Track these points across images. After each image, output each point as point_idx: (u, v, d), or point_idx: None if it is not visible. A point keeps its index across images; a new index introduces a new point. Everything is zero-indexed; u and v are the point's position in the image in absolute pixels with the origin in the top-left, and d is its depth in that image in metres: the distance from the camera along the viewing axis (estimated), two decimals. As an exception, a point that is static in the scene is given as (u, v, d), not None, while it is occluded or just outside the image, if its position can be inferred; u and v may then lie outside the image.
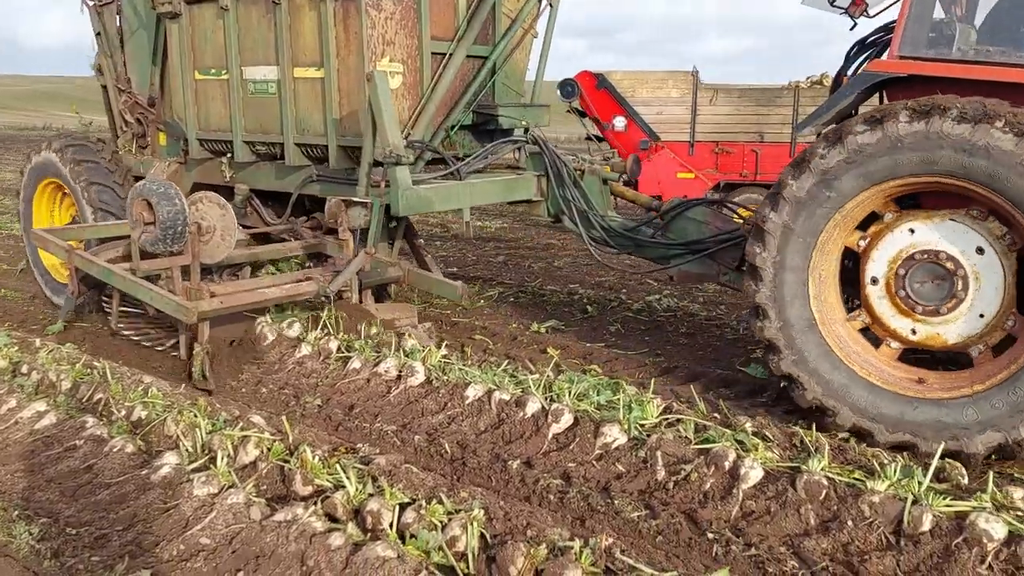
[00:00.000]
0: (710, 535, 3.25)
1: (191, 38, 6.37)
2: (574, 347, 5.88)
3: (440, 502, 3.16)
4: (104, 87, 7.38)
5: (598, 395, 4.28)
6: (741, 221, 5.38)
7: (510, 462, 3.83)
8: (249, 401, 4.77)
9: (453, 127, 6.10)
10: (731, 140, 10.84)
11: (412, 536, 3.03)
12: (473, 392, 4.38)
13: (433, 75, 5.84)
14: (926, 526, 3.12)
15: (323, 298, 5.38)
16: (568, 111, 11.20)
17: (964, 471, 3.57)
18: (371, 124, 5.36)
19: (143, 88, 7.01)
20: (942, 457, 3.64)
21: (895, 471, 3.43)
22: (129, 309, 5.57)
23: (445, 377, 4.55)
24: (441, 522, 3.07)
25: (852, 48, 5.06)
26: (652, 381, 4.63)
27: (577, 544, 2.88)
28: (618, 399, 4.14)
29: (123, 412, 4.24)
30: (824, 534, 3.21)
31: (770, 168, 10.56)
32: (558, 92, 10.75)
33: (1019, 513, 3.17)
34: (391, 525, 3.09)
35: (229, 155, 6.44)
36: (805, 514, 3.33)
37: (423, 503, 3.17)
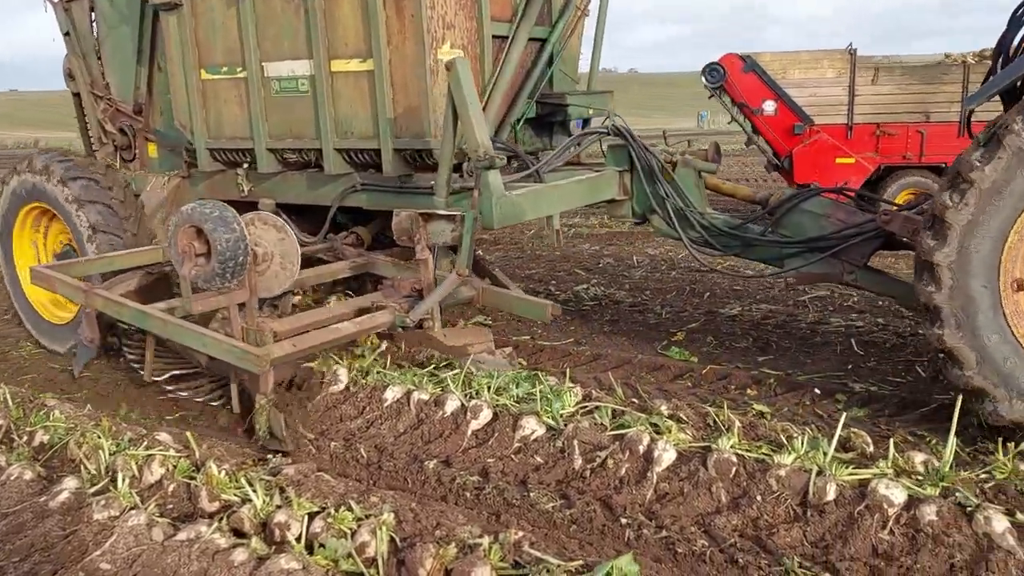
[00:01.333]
0: (623, 520, 3.26)
1: (194, 32, 5.48)
2: (499, 340, 5.87)
3: (349, 509, 3.11)
4: (76, 95, 6.54)
5: (517, 388, 4.26)
6: (877, 211, 4.60)
7: (427, 462, 3.79)
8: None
9: (518, 120, 5.51)
10: (893, 121, 10.11)
11: (321, 546, 2.97)
12: (391, 394, 4.32)
13: (495, 61, 5.15)
14: (830, 496, 3.17)
15: (399, 328, 4.66)
16: (709, 97, 10.58)
17: (869, 439, 3.65)
18: (451, 121, 4.59)
19: (126, 94, 6.17)
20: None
21: (802, 444, 3.49)
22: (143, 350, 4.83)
23: (364, 380, 4.49)
24: (350, 529, 3.02)
25: (1018, 10, 4.26)
26: (568, 371, 4.64)
27: (486, 541, 2.86)
28: (537, 391, 4.13)
29: (24, 438, 4.08)
30: (734, 510, 3.24)
31: (936, 149, 9.84)
32: (702, 77, 10.24)
33: (919, 477, 3.25)
34: (299, 536, 3.03)
35: (247, 165, 5.67)
36: (716, 492, 3.36)
37: (332, 511, 3.11)
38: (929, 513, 2.98)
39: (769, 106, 10.31)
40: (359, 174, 5.37)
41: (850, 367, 5.08)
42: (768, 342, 5.73)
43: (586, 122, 5.97)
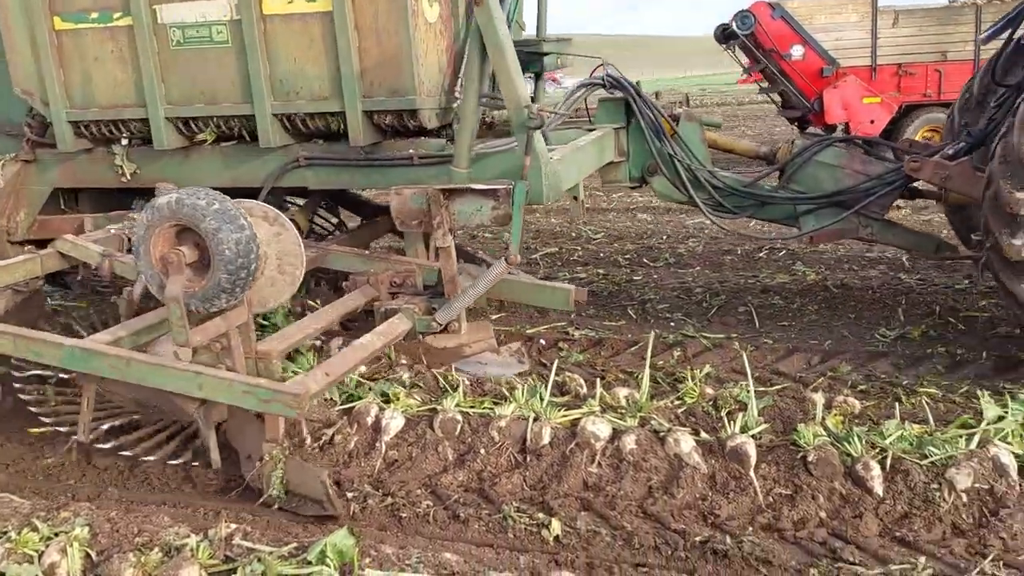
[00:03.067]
0: (350, 494, 3.20)
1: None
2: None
3: (35, 529, 2.78)
4: None
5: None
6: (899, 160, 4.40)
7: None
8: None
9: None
10: (913, 61, 10.55)
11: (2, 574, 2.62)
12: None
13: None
14: (546, 439, 3.25)
15: (419, 335, 3.95)
16: (725, 49, 10.90)
17: (582, 381, 3.87)
18: (477, 70, 3.90)
19: None
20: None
21: (523, 393, 3.61)
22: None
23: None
24: (37, 551, 2.69)
25: None
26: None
27: (193, 540, 2.67)
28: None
29: None
30: (460, 467, 3.25)
31: (954, 87, 9.88)
32: (733, 24, 10.44)
33: (622, 411, 3.49)
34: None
35: (127, 142, 4.60)
36: (443, 452, 3.34)
37: (13, 534, 2.76)
38: (630, 443, 3.22)
39: (797, 51, 10.57)
40: (301, 146, 4.44)
41: (573, 316, 5.37)
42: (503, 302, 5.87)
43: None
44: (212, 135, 4.51)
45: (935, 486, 2.92)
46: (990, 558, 2.66)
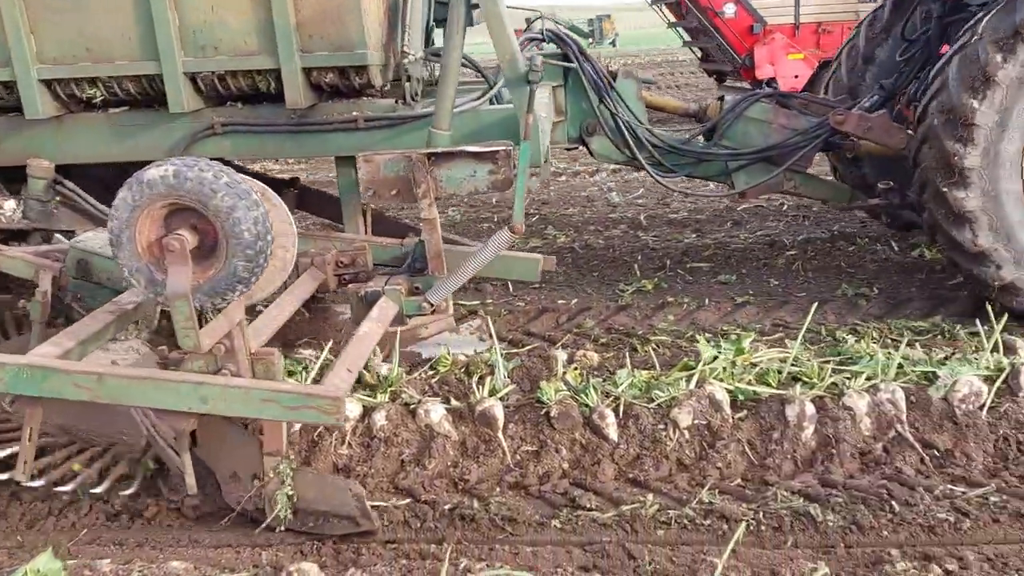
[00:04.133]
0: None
1: None
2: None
3: None
4: None
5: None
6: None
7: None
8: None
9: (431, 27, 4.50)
10: (831, 20, 11.28)
11: None
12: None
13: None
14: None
15: (408, 318, 3.51)
16: (651, 4, 11.36)
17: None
18: (461, 21, 3.57)
19: None
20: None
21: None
22: None
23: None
24: None
25: None
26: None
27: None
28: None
29: None
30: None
31: None
32: None
33: (373, 387, 3.44)
34: None
35: None
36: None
37: None
38: (380, 419, 3.19)
39: (729, 9, 11.08)
40: (215, 111, 3.94)
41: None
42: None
43: None
44: (99, 99, 3.91)
45: (662, 427, 3.16)
46: (707, 487, 2.94)
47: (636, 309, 4.64)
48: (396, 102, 3.98)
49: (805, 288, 4.81)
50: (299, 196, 5.19)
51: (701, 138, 4.80)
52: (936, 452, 3.08)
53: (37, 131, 3.96)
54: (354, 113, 3.92)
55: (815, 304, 4.11)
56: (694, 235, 6.05)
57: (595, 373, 3.58)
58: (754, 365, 3.47)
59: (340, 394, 2.51)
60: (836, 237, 5.73)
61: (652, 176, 4.58)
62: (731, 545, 2.41)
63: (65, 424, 2.96)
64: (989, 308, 3.79)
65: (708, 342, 3.71)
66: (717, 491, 2.92)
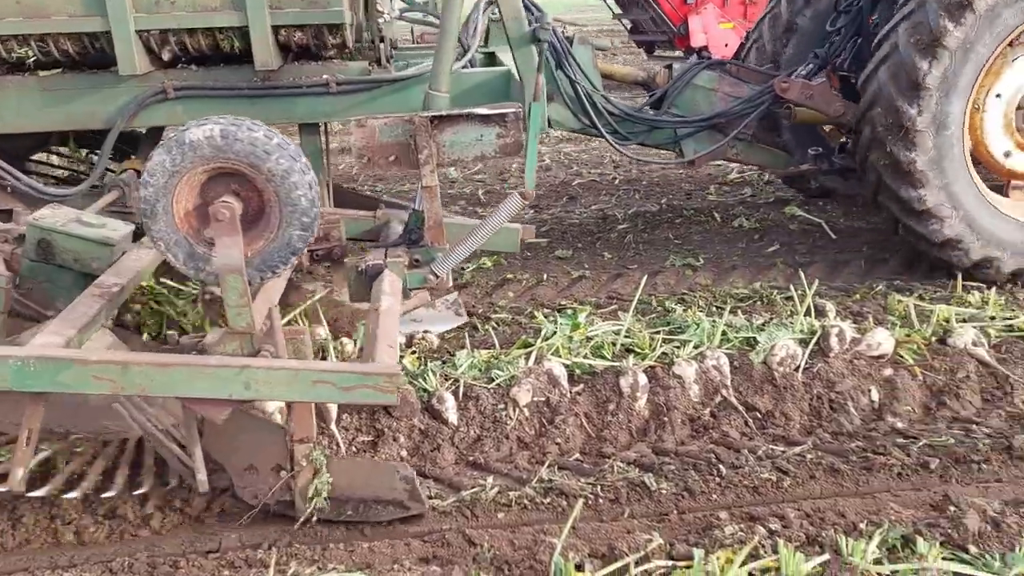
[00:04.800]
0: None
1: None
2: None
3: None
4: None
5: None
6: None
7: None
8: None
9: None
10: None
11: None
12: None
13: None
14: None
15: (411, 291, 3.29)
16: None
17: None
18: None
19: None
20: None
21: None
22: None
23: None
24: None
25: None
26: None
27: None
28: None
29: None
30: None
31: None
32: None
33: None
34: None
35: None
36: None
37: None
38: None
39: None
40: (166, 73, 3.68)
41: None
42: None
43: None
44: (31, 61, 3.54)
45: (502, 406, 3.13)
46: (547, 464, 2.94)
47: (476, 287, 4.60)
48: (369, 64, 3.79)
49: (637, 260, 4.94)
50: None
51: (648, 107, 4.91)
52: (758, 414, 3.24)
53: None
54: (325, 76, 3.72)
55: (645, 276, 4.22)
56: (532, 210, 6.08)
57: (434, 356, 3.51)
58: (590, 339, 3.51)
59: (398, 370, 2.36)
60: (664, 210, 5.94)
61: (611, 144, 4.56)
62: (569, 523, 2.41)
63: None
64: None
65: (546, 318, 3.72)
66: (556, 467, 2.93)
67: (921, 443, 3.00)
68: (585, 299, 4.28)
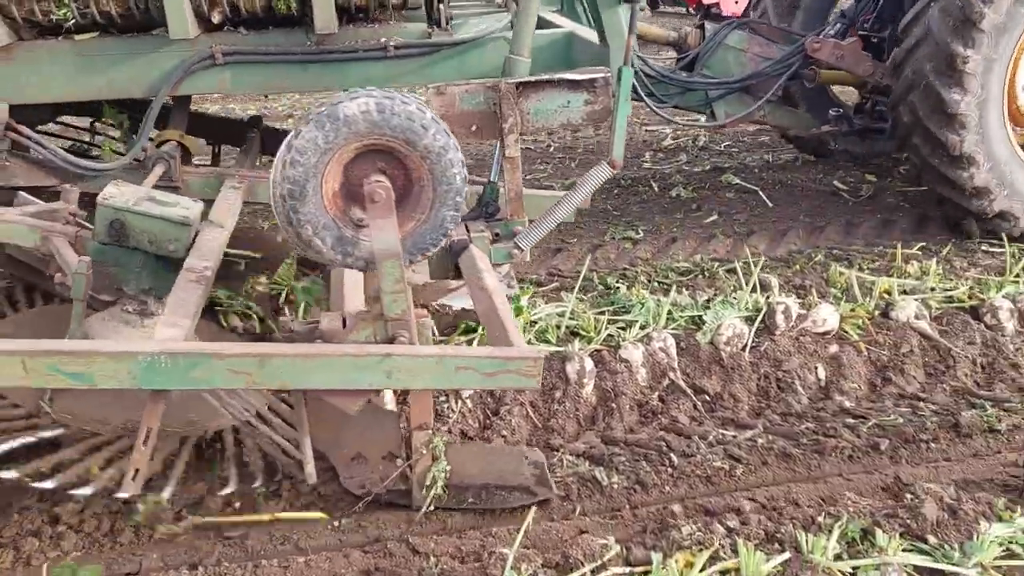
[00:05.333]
0: None
1: None
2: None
3: None
4: None
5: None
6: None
7: None
8: None
9: None
10: None
11: None
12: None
13: None
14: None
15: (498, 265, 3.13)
16: None
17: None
18: None
19: None
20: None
21: None
22: None
23: None
24: None
25: None
26: None
27: None
28: None
29: None
30: None
31: None
32: None
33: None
34: None
35: None
36: None
37: None
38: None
39: None
40: (212, 37, 3.47)
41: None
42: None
43: None
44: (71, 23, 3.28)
45: (443, 399, 2.96)
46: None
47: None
48: (429, 27, 3.59)
49: (575, 233, 4.80)
50: (263, 139, 4.39)
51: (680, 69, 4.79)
52: (707, 396, 3.16)
53: None
54: (382, 39, 3.53)
55: (588, 254, 4.09)
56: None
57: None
58: (533, 323, 3.36)
59: (541, 355, 2.27)
60: (602, 179, 5.79)
61: (649, 106, 4.38)
62: (522, 531, 2.27)
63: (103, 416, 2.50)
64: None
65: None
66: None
67: (870, 423, 2.96)
68: (525, 276, 4.12)
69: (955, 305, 3.64)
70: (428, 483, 2.44)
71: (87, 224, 2.84)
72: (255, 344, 2.36)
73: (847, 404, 3.14)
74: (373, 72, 3.58)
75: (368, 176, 2.17)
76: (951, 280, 3.89)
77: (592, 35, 3.98)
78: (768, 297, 3.53)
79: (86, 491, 2.41)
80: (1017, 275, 3.88)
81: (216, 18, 3.46)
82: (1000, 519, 2.32)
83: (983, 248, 4.38)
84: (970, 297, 3.67)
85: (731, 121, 4.71)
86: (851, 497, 2.45)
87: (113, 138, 4.01)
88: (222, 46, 3.49)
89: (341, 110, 2.12)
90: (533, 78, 3.25)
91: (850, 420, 3.01)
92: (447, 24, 3.68)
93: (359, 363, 2.18)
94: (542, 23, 3.91)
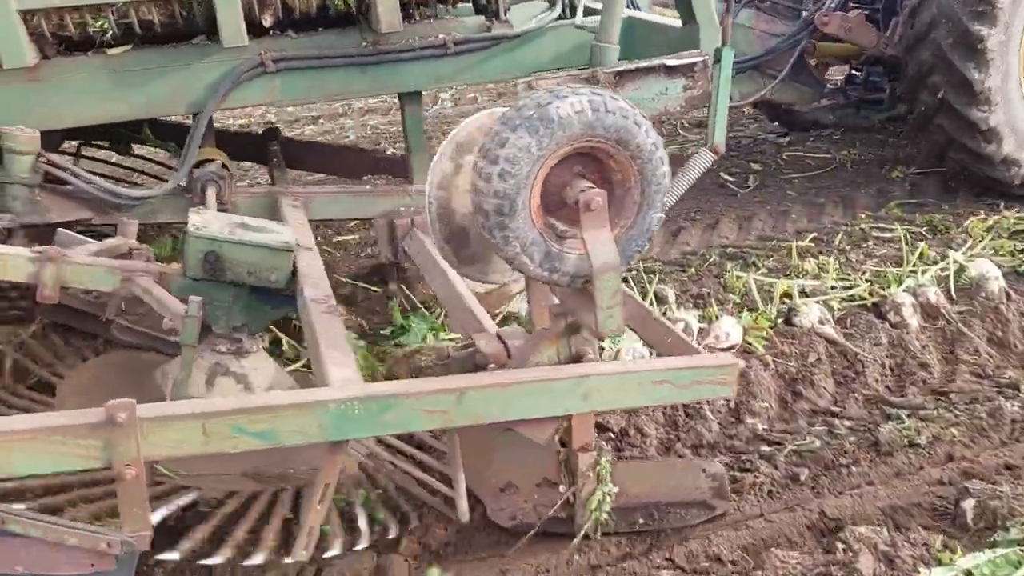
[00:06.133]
0: None
1: None
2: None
3: None
4: None
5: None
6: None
7: None
8: None
9: None
10: None
11: None
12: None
13: None
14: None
15: None
16: None
17: None
18: None
19: None
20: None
21: None
22: None
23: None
24: None
25: None
26: None
27: None
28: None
29: None
30: None
31: None
32: None
33: None
34: None
35: None
36: None
37: None
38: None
39: None
40: (260, 43, 3.13)
41: None
42: None
43: None
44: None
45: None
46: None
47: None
48: (487, 20, 3.37)
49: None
50: (284, 150, 4.12)
51: None
52: (612, 434, 2.85)
53: (8, 87, 2.95)
54: (441, 36, 3.28)
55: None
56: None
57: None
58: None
59: (737, 361, 2.15)
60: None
61: None
62: None
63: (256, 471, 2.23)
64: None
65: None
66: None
67: (787, 450, 2.72)
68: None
69: (857, 303, 3.47)
70: (593, 507, 2.23)
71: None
72: (447, 378, 2.03)
73: (760, 428, 2.89)
74: (432, 71, 3.34)
75: (567, 183, 1.95)
76: (849, 275, 3.73)
77: (651, 18, 3.91)
78: (666, 312, 3.26)
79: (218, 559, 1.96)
80: (914, 265, 3.76)
81: (268, 21, 3.14)
82: (940, 562, 2.09)
83: (875, 235, 4.27)
84: (871, 294, 3.52)
85: (746, 102, 4.74)
86: (778, 555, 2.17)
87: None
88: (272, 52, 3.17)
89: (554, 111, 1.85)
90: (632, 65, 3.07)
91: (765, 448, 2.76)
92: (505, 15, 3.40)
93: (555, 387, 1.99)
94: (589, 11, 3.60)
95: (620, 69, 3.06)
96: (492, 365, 2.13)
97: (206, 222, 2.44)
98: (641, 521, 2.34)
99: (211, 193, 3.12)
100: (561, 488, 2.26)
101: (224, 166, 3.24)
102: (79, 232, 2.80)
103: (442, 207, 2.18)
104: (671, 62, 3.12)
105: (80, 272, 2.45)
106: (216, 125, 3.75)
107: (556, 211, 1.97)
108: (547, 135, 1.86)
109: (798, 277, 3.71)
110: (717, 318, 3.24)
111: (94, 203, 3.09)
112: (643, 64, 3.07)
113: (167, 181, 3.34)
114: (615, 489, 2.24)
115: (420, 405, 1.89)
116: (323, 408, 1.82)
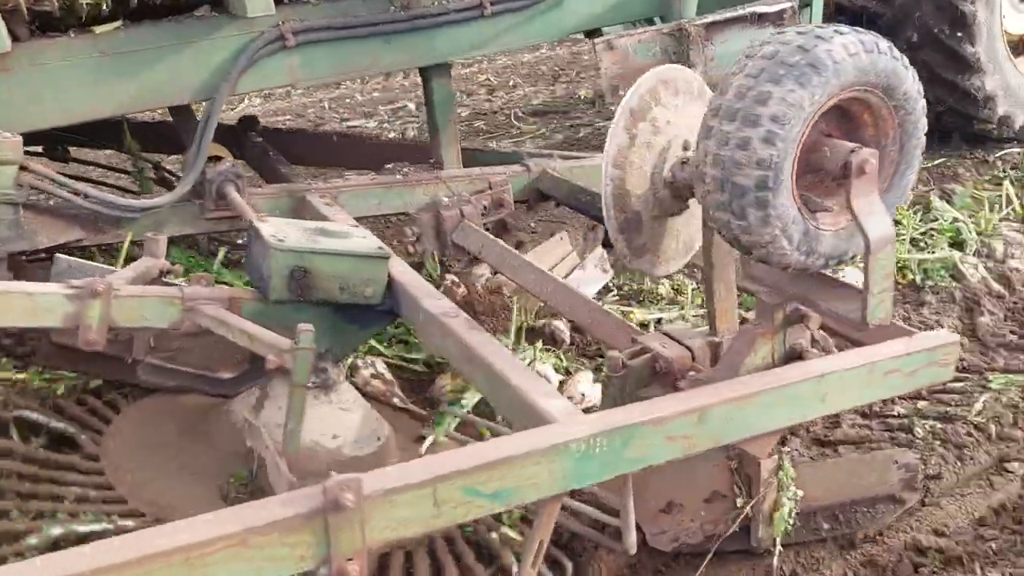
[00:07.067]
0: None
1: None
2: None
3: None
4: None
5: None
6: None
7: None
8: None
9: None
10: None
11: None
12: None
13: None
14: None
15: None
16: None
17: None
18: None
19: None
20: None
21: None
22: None
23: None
24: None
25: None
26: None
27: None
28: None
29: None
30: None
31: None
32: None
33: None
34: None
35: None
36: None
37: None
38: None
39: None
40: (280, 12, 2.67)
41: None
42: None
43: None
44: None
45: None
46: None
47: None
48: None
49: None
50: (265, 140, 3.62)
51: None
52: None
53: None
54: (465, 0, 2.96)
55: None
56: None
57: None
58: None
59: (957, 338, 1.91)
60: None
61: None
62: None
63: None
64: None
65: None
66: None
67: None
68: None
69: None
70: (779, 518, 1.99)
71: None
72: (677, 397, 1.73)
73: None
74: (467, 38, 3.06)
75: (817, 145, 1.64)
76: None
77: None
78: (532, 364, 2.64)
79: None
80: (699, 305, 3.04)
81: None
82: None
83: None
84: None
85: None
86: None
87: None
88: (292, 23, 2.73)
89: (826, 55, 1.53)
90: (720, 16, 2.81)
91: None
92: None
93: (796, 393, 1.73)
94: None
95: (708, 20, 2.81)
96: (692, 373, 1.89)
97: (282, 232, 2.09)
98: (826, 527, 2.11)
99: (234, 196, 2.62)
100: (738, 501, 2.00)
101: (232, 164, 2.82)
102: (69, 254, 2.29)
103: (618, 189, 1.86)
104: (760, 9, 2.82)
105: (132, 307, 1.97)
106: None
107: (802, 181, 1.66)
108: (820, 85, 1.54)
109: (652, 303, 3.13)
110: (573, 375, 2.68)
111: (87, 220, 2.56)
112: (731, 14, 2.82)
113: (139, 190, 2.98)
114: (800, 494, 1.99)
115: (663, 432, 1.60)
116: (566, 452, 1.50)
